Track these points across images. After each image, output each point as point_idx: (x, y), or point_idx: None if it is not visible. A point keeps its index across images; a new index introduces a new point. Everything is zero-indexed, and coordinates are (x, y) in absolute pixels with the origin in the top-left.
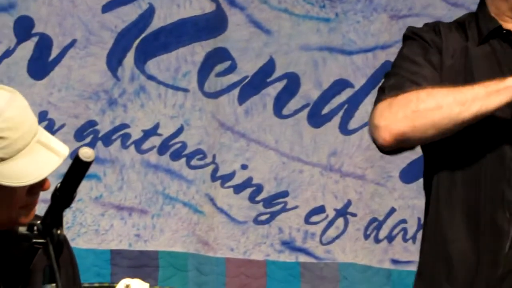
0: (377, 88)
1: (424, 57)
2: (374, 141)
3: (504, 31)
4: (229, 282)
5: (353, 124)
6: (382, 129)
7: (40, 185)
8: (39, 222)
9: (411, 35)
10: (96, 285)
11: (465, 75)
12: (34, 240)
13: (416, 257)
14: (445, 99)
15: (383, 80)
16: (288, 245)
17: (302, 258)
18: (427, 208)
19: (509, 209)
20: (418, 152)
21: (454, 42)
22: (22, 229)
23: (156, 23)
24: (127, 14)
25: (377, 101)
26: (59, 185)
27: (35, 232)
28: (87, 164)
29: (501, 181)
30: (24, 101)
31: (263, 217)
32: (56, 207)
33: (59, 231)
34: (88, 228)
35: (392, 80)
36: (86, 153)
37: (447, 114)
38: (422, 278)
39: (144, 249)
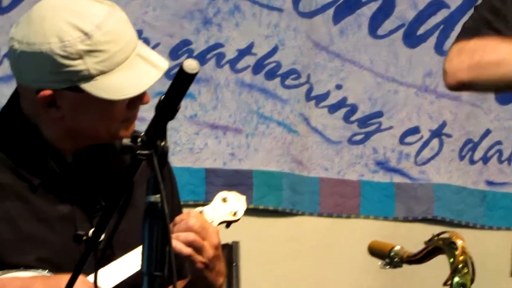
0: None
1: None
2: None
3: None
4: (322, 202)
5: (448, 44)
6: (448, 75)
7: (140, 99)
8: (142, 134)
9: None
10: (191, 203)
11: None
12: (138, 152)
13: (511, 178)
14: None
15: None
16: (383, 165)
17: (397, 179)
18: None
19: None
20: None
21: None
22: (126, 141)
23: None
24: None
25: (456, 40)
26: (163, 97)
27: (139, 144)
28: (192, 76)
29: None
30: (124, 15)
31: (358, 137)
32: (160, 119)
33: (163, 143)
34: (183, 147)
35: (470, 21)
36: (190, 65)
37: (509, 72)
38: None
39: (238, 168)
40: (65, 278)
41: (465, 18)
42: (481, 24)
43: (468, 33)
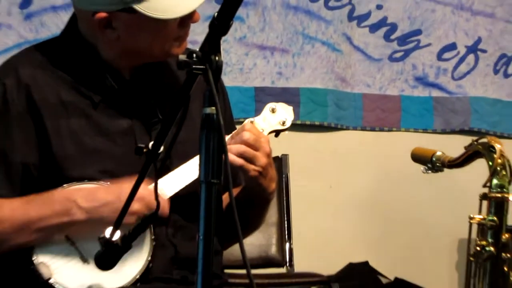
0: None
1: None
2: None
3: None
4: (366, 116)
5: None
6: None
7: (190, 17)
8: (197, 50)
9: None
10: (242, 120)
11: None
12: (194, 66)
13: None
14: None
15: None
16: (422, 80)
17: (435, 93)
18: None
19: None
20: None
21: None
22: (182, 57)
23: None
24: None
25: None
26: (216, 13)
27: (195, 59)
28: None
29: None
30: None
31: (398, 55)
32: (214, 35)
33: (217, 58)
34: (233, 67)
35: None
36: None
37: None
38: None
39: (286, 86)
40: (127, 185)
41: None
42: None
43: None
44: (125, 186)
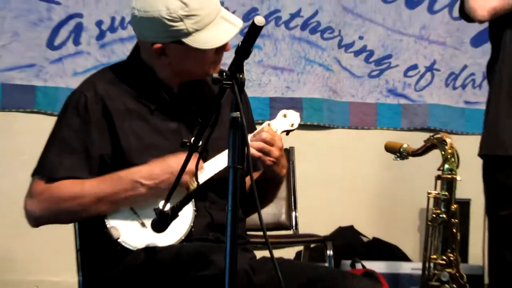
0: None
1: None
2: (472, 17)
3: None
4: (351, 118)
5: (437, 6)
6: (478, 9)
7: (223, 47)
8: (227, 69)
9: None
10: (260, 121)
11: None
12: (224, 82)
13: (482, 99)
14: None
15: None
16: (392, 92)
17: (402, 101)
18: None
19: None
20: (484, 25)
21: None
22: (216, 75)
23: None
24: None
25: None
26: (240, 43)
27: (225, 77)
28: (260, 28)
29: None
30: None
31: (374, 73)
32: (238, 59)
33: (241, 76)
34: (254, 83)
35: None
36: (259, 20)
37: None
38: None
39: (292, 96)
40: (175, 163)
41: None
42: None
43: None
44: (174, 164)
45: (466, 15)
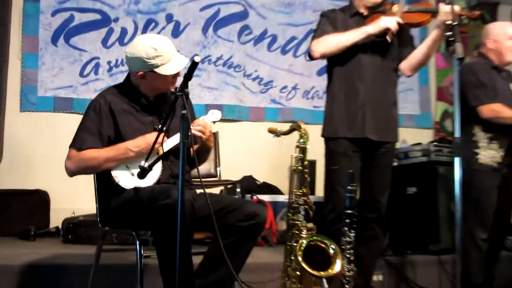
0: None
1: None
2: (311, 57)
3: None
4: (251, 116)
5: (299, 52)
6: (314, 52)
7: (177, 74)
8: (178, 87)
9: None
10: (198, 116)
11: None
12: (177, 93)
13: (322, 104)
14: (338, 37)
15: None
16: (274, 101)
17: (279, 106)
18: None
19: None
20: (324, 62)
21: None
22: (172, 90)
23: None
24: None
25: (312, 39)
26: (186, 72)
27: (178, 90)
28: (197, 64)
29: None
30: (170, 41)
31: (263, 90)
32: (185, 80)
33: (187, 90)
34: (195, 95)
35: (318, 31)
36: (197, 59)
37: (341, 43)
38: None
39: (217, 103)
40: (150, 138)
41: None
42: (321, 31)
43: (317, 35)
44: (150, 139)
45: (311, 56)
